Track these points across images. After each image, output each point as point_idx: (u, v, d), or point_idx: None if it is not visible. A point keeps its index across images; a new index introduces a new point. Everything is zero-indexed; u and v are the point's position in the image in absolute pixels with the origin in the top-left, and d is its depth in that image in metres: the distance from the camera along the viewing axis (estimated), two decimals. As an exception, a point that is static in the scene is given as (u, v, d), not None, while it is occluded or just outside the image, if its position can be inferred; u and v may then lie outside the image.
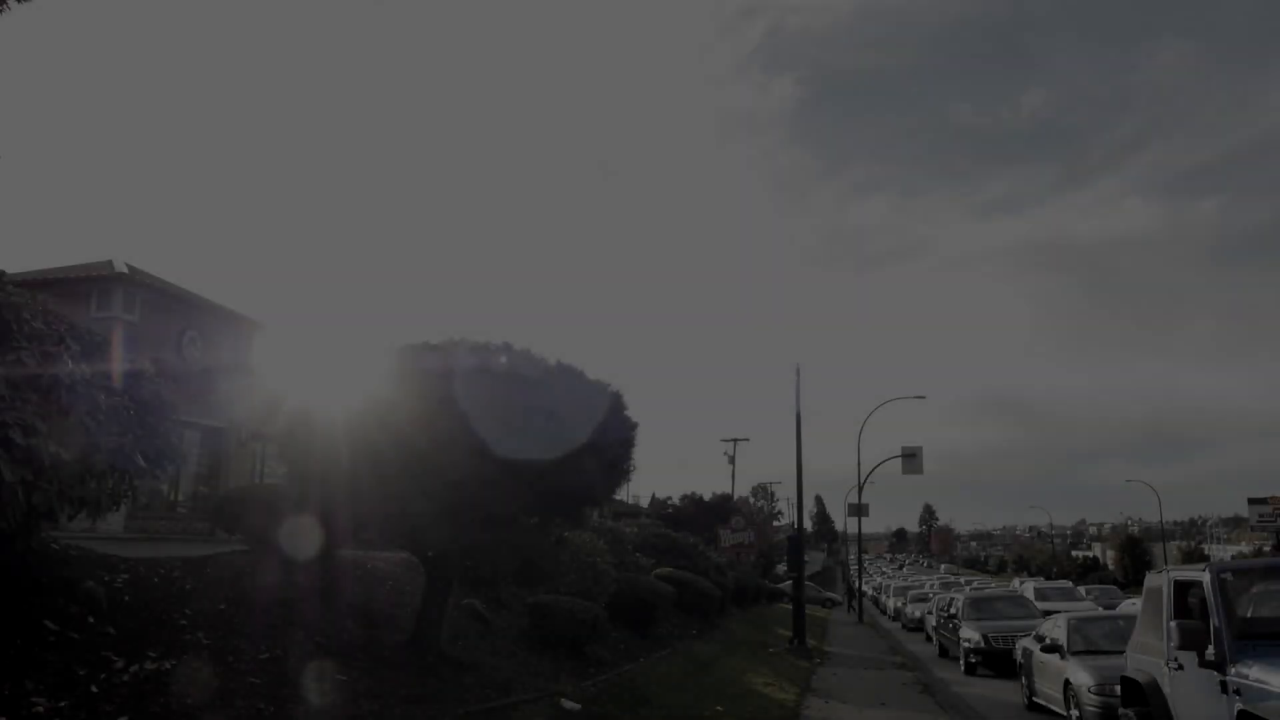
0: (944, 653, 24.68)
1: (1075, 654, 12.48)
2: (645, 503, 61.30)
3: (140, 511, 21.53)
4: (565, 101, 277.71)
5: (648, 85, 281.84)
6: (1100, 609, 31.32)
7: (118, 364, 7.91)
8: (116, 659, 6.90)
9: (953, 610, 23.96)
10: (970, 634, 20.53)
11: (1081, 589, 39.59)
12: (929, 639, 29.44)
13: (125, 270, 23.61)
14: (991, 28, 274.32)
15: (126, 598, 8.27)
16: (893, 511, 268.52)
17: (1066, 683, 11.96)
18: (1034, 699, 14.09)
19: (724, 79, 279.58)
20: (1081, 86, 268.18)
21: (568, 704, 9.94)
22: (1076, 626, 13.38)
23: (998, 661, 19.53)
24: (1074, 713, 11.63)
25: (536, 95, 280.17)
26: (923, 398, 45.78)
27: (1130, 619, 13.51)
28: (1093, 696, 11.00)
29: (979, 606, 22.37)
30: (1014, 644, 18.83)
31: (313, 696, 7.61)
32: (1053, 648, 13.02)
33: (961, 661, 20.78)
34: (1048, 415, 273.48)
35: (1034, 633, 14.99)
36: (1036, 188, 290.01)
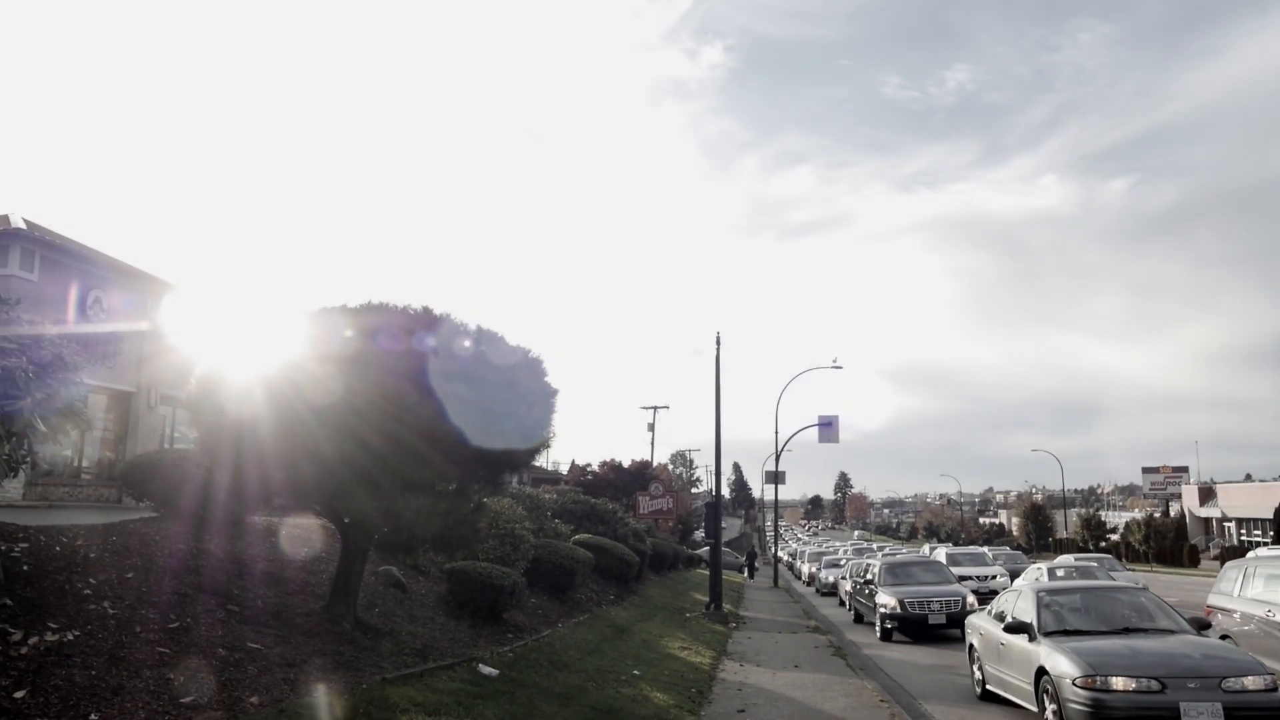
0: (859, 619, 24.67)
1: (1049, 635, 10.32)
2: (565, 469, 61.50)
3: (41, 478, 20.80)
4: (492, 63, 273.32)
5: (578, 49, 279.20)
6: (1009, 569, 32.48)
7: (15, 324, 7.59)
8: (14, 631, 6.68)
9: (869, 576, 23.74)
10: (886, 600, 20.40)
11: (989, 552, 41.02)
12: (843, 604, 30.08)
13: (23, 226, 22.56)
14: (920, 2, 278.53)
15: (25, 567, 8.00)
16: (809, 478, 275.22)
17: (1040, 672, 9.86)
18: (988, 687, 12.09)
19: (654, 44, 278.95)
20: (1005, 64, 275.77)
21: (485, 669, 9.96)
22: (1048, 602, 11.11)
23: (914, 628, 19.77)
24: (1050, 708, 9.60)
25: (464, 54, 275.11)
26: (840, 367, 46.67)
27: (1108, 591, 11.85)
28: (1079, 691, 8.94)
29: (895, 572, 22.25)
30: (929, 609, 19.48)
31: (224, 666, 7.48)
32: (1018, 627, 10.80)
33: (878, 627, 20.69)
34: (961, 386, 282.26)
35: (988, 608, 13.06)
36: (957, 163, 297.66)
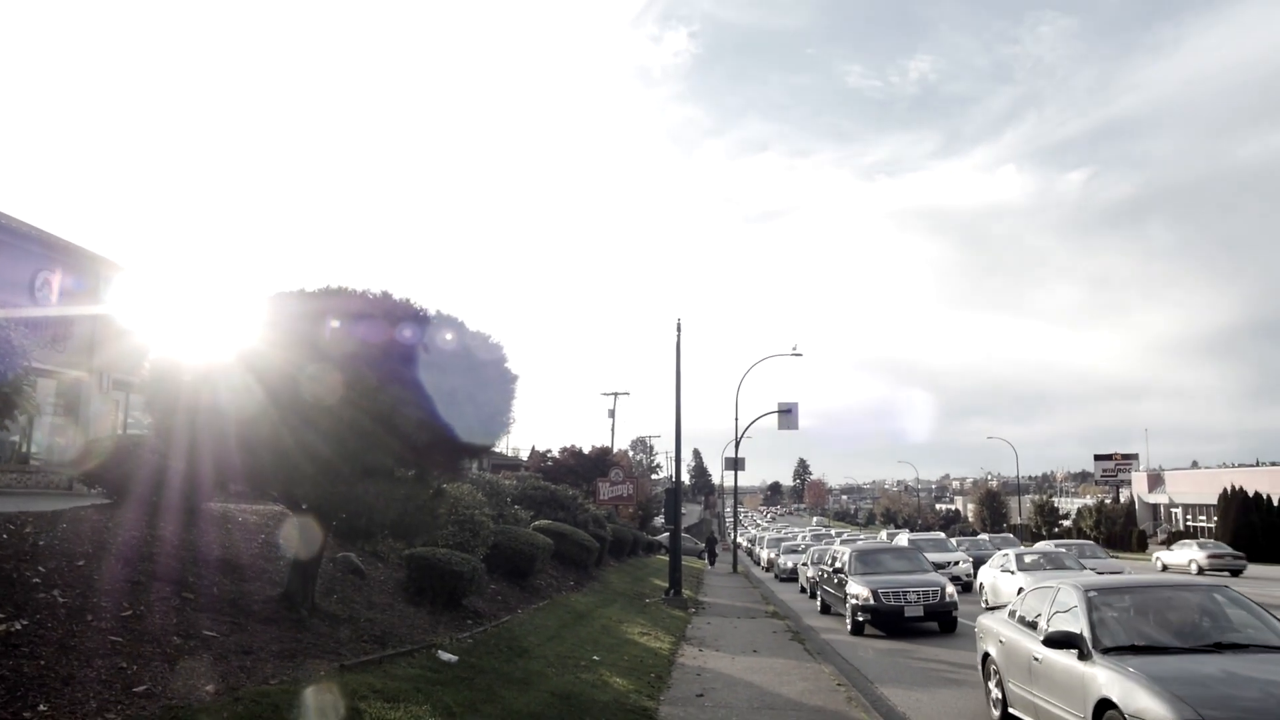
0: (826, 609, 23.07)
1: (1110, 653, 7.41)
2: (525, 455, 61.37)
3: (-13, 464, 20.40)
4: (454, 46, 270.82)
5: (542, 33, 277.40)
6: (973, 555, 31.83)
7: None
8: (-38, 618, 6.55)
9: (838, 564, 21.64)
10: (858, 590, 18.60)
11: (953, 540, 41.16)
12: (803, 590, 29.84)
13: (-32, 206, 22.04)
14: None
15: (-27, 554, 7.84)
16: (769, 464, 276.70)
17: (1103, 705, 6.97)
18: (1011, 711, 9.29)
19: (620, 29, 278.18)
20: (966, 55, 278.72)
21: (445, 655, 9.92)
22: (1099, 604, 8.19)
23: (888, 620, 18.25)
24: None
25: (424, 37, 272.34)
26: (800, 355, 47.02)
27: (1176, 589, 8.92)
28: None
29: (867, 560, 20.53)
30: (905, 601, 17.91)
31: (179, 654, 7.38)
32: (1062, 640, 7.87)
33: (848, 620, 18.99)
34: (919, 373, 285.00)
35: (1010, 608, 10.19)
36: (918, 152, 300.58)
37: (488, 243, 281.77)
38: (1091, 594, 8.32)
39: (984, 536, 39.71)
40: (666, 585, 25.11)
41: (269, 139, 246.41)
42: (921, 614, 18.07)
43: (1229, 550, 42.96)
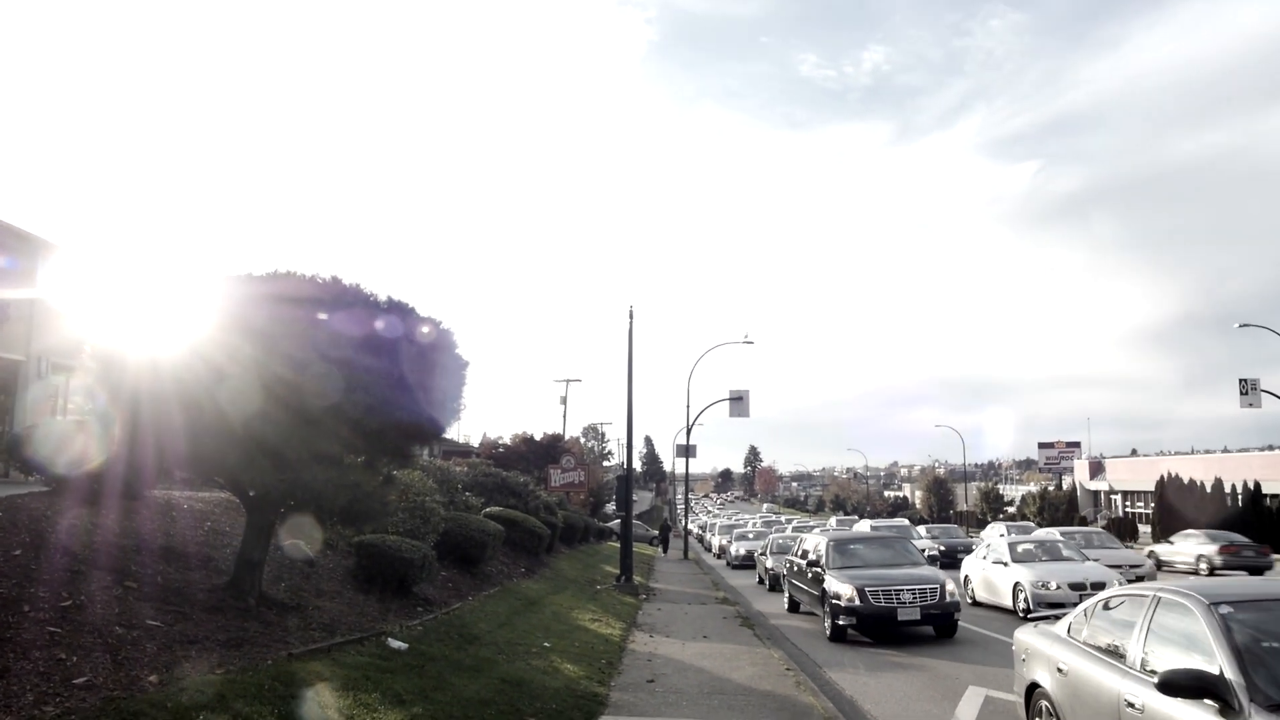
0: (795, 608, 20.03)
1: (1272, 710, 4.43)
2: (476, 442, 61.13)
3: (-81, 450, 19.80)
4: (408, 30, 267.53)
5: (495, 18, 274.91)
6: (945, 544, 31.09)
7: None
8: (-106, 608, 6.36)
9: (812, 556, 18.05)
10: (841, 588, 15.60)
11: (920, 528, 40.19)
12: (761, 581, 29.30)
13: (-100, 184, 21.31)
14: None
15: (-95, 542, 7.62)
16: (720, 451, 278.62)
17: None
18: None
19: (575, 15, 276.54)
20: (919, 47, 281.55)
21: (394, 643, 9.86)
22: (1237, 624, 5.12)
23: (877, 625, 15.43)
24: None
25: (371, 19, 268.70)
26: (751, 343, 47.31)
27: None
28: None
29: (847, 551, 17.58)
30: (898, 601, 15.09)
31: (121, 644, 7.24)
32: (1194, 685, 4.82)
33: (826, 623, 16.02)
34: (868, 362, 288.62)
35: (1067, 621, 7.14)
36: (872, 142, 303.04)
37: (439, 228, 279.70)
38: (1224, 610, 5.28)
39: (998, 525, 35.98)
40: (618, 572, 25.17)
41: (210, 118, 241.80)
42: (918, 617, 15.16)
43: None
